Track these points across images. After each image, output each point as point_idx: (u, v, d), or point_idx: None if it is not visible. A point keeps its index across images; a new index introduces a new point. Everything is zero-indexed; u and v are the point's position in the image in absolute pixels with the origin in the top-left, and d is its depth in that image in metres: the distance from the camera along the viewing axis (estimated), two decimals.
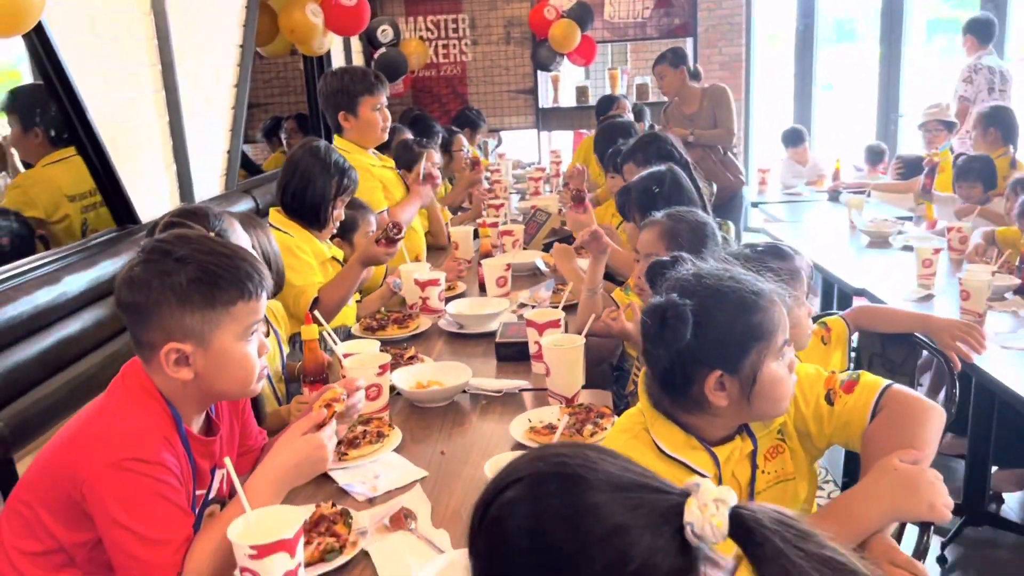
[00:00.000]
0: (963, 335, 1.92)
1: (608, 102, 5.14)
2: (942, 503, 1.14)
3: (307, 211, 2.45)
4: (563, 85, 6.90)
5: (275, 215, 2.51)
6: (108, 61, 2.65)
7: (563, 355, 1.85)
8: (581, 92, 6.44)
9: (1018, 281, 2.94)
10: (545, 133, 6.89)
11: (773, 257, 1.57)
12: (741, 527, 0.76)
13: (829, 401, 1.35)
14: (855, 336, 2.11)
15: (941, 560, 2.84)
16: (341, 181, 2.46)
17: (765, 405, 1.27)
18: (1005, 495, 3.19)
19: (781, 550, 0.74)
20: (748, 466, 1.33)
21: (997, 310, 2.78)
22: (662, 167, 2.52)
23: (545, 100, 6.53)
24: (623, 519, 0.75)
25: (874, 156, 5.54)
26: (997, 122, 4.10)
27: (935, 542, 2.95)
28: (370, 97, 3.07)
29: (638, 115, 5.19)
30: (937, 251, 3.09)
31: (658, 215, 1.98)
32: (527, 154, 6.71)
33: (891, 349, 2.03)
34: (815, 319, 1.96)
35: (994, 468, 3.13)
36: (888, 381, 1.34)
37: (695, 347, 1.24)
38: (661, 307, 1.26)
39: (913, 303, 2.95)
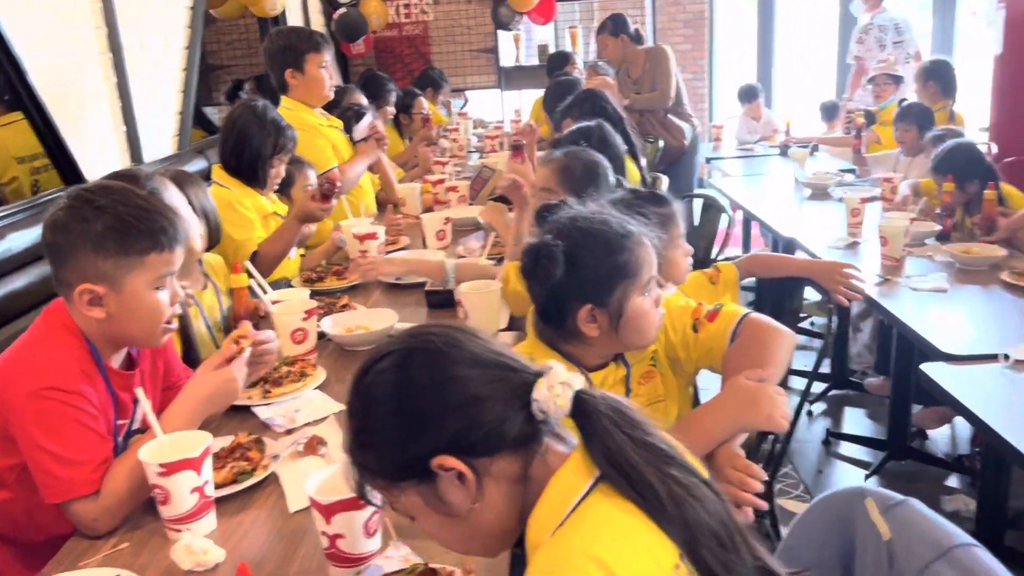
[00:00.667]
0: (844, 277, 2.04)
1: (559, 60, 5.20)
2: (779, 415, 1.28)
3: (245, 169, 2.54)
4: (528, 44, 6.93)
5: (217, 171, 2.60)
6: (49, 24, 2.71)
7: (480, 300, 1.97)
8: (543, 51, 6.48)
9: (938, 228, 3.08)
10: (516, 93, 6.94)
11: (651, 203, 1.69)
12: (580, 408, 0.89)
13: (695, 329, 1.48)
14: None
15: None
16: (278, 140, 2.54)
17: (632, 335, 1.40)
18: (929, 432, 3.36)
19: (608, 431, 0.88)
20: (622, 389, 1.46)
21: (916, 255, 2.92)
22: (591, 123, 2.63)
23: (508, 59, 6.57)
24: (479, 391, 0.89)
25: (829, 112, 5.65)
26: (935, 76, 4.21)
27: (860, 475, 3.13)
28: (316, 54, 3.13)
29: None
30: (864, 201, 3.22)
31: (556, 153, 2.10)
32: (492, 113, 6.77)
33: (789, 292, 2.17)
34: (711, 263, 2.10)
35: (919, 407, 3.30)
36: (747, 310, 1.47)
37: (567, 283, 1.36)
38: (535, 247, 1.38)
39: (840, 251, 3.09)
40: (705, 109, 7.57)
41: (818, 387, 3.74)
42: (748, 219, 4.55)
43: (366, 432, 0.91)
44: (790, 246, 3.68)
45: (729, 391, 1.32)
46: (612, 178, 2.03)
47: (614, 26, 4.80)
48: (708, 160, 5.25)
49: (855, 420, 3.61)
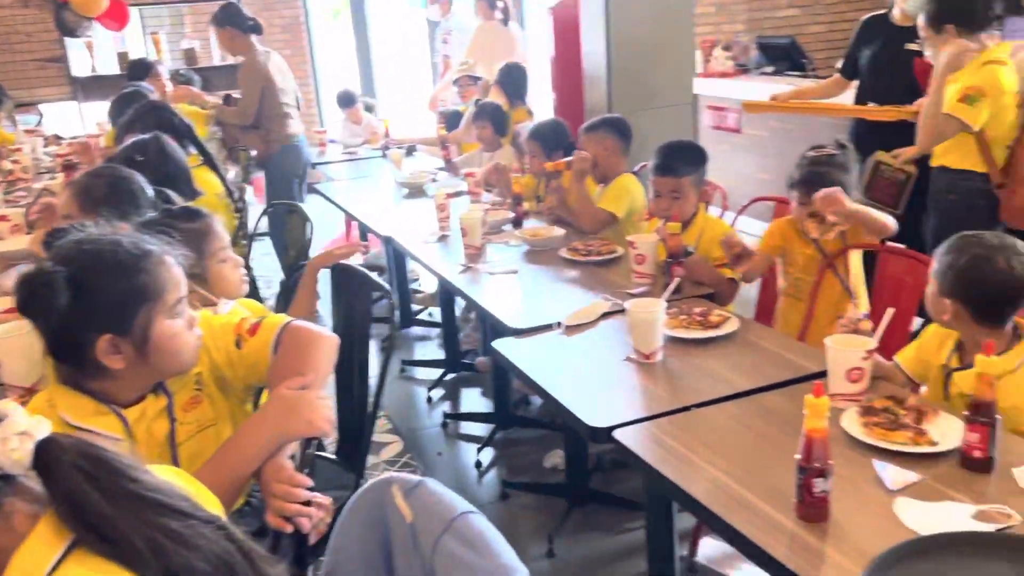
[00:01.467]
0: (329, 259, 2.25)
1: (140, 68, 4.81)
2: (320, 418, 1.29)
3: None
4: (115, 50, 6.31)
5: None
6: None
7: (12, 344, 1.71)
8: (122, 58, 5.96)
9: (512, 215, 3.39)
10: (103, 104, 6.28)
11: (182, 219, 1.62)
12: (44, 462, 0.78)
13: (238, 345, 1.44)
14: None
15: (477, 465, 3.21)
16: None
17: (165, 361, 1.31)
18: (532, 397, 3.69)
19: (77, 482, 0.78)
20: (166, 420, 1.37)
21: (495, 242, 3.17)
22: (147, 136, 2.46)
23: (83, 68, 5.93)
24: None
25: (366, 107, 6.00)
26: (501, 81, 4.63)
27: (472, 450, 3.32)
28: None
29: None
30: (450, 196, 3.43)
31: (77, 176, 1.94)
32: (73, 128, 6.06)
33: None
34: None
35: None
36: (290, 318, 1.46)
37: (78, 313, 1.23)
38: (28, 277, 1.23)
39: (433, 245, 3.25)
40: (314, 115, 7.56)
41: (435, 373, 3.93)
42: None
43: None
44: (388, 243, 3.82)
45: (270, 403, 1.30)
46: (151, 193, 1.90)
47: (221, 17, 4.52)
48: (314, 165, 5.23)
49: (471, 399, 3.85)
